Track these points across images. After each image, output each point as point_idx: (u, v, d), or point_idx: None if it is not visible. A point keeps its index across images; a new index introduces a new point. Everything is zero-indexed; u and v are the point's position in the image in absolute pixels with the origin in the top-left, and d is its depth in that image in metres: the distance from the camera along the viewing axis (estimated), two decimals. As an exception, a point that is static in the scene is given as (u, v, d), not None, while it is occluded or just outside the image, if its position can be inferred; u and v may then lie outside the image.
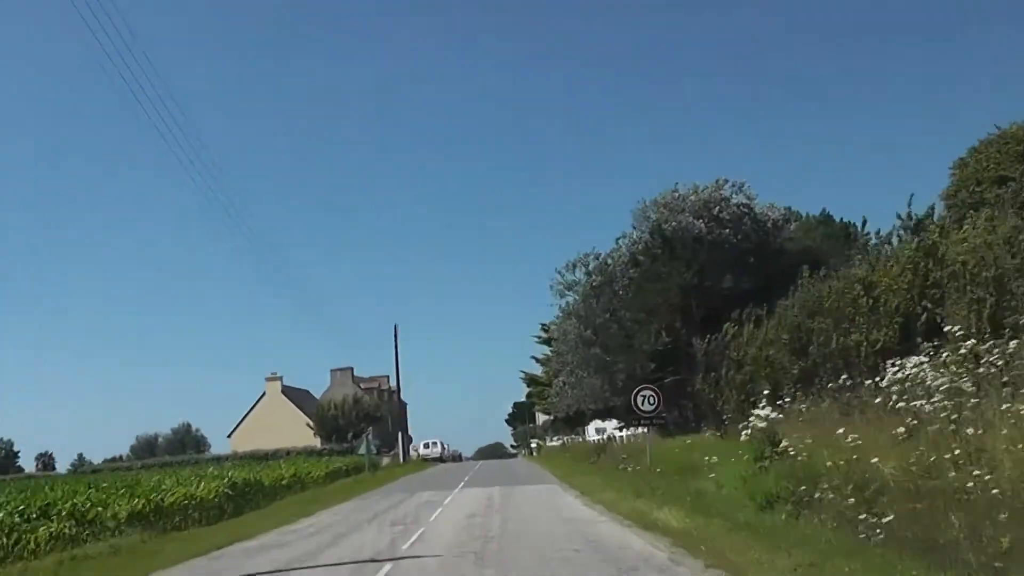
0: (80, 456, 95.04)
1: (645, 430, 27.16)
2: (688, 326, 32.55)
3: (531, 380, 53.13)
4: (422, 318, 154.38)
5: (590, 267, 34.90)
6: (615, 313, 33.68)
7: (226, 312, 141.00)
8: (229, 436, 76.25)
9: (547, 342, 50.93)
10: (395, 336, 55.73)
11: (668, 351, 32.96)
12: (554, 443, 68.01)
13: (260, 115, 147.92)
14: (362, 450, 39.41)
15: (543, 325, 51.09)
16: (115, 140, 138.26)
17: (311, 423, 64.25)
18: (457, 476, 33.79)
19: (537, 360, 51.71)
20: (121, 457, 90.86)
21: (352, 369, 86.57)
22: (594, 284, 34.53)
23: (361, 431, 63.66)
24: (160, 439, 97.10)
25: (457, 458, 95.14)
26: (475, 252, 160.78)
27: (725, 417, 22.81)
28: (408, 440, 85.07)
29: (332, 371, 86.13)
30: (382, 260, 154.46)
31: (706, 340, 24.90)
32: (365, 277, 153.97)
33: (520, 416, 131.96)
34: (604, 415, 47.69)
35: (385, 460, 56.39)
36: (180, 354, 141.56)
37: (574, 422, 50.86)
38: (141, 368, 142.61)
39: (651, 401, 23.79)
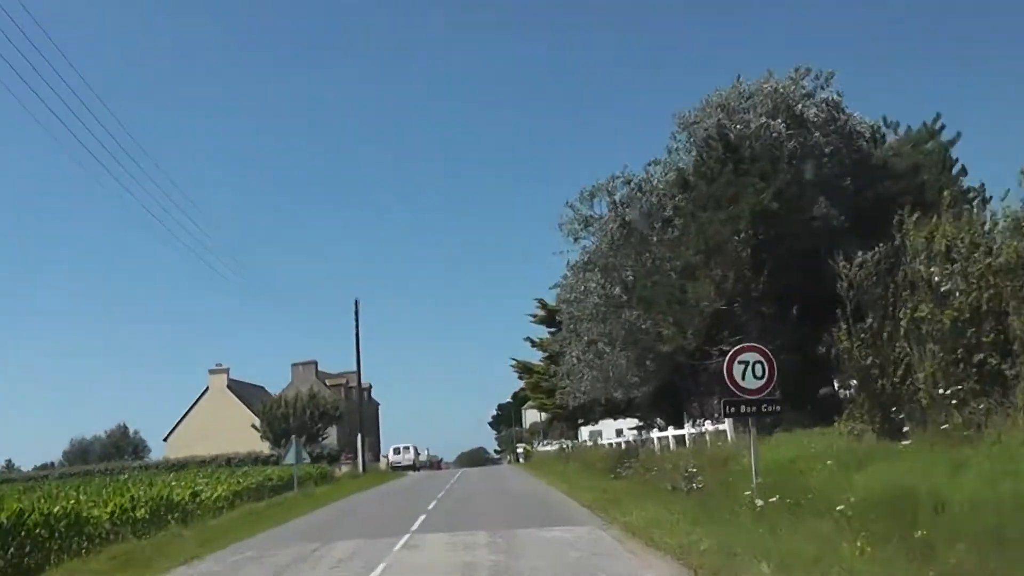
0: (9, 463, 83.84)
1: (725, 424, 16.68)
2: (758, 276, 22.22)
3: (524, 369, 42.63)
4: (402, 318, 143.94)
5: (618, 196, 24.36)
6: (655, 259, 23.21)
7: (173, 302, 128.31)
8: (165, 440, 64.96)
9: (547, 321, 40.45)
10: (355, 313, 45.10)
11: (729, 313, 22.65)
12: (547, 447, 57.31)
13: (205, 102, 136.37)
14: (289, 459, 28.31)
15: (540, 301, 40.61)
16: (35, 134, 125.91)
17: (257, 424, 53.22)
18: (424, 496, 23.08)
19: (533, 344, 41.25)
20: (53, 464, 79.74)
21: (316, 363, 75.55)
22: (625, 220, 23.98)
23: (318, 433, 52.77)
24: (97, 443, 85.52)
25: (436, 464, 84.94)
26: (456, 248, 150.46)
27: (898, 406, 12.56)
28: (375, 445, 74.14)
29: (293, 365, 74.88)
30: (374, 254, 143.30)
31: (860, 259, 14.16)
32: (337, 273, 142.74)
33: (505, 419, 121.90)
34: (617, 411, 37.20)
35: (343, 468, 45.50)
36: (118, 349, 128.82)
37: (572, 418, 40.30)
38: (78, 365, 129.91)
39: (759, 372, 13.34)
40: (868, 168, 24.08)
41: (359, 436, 44.71)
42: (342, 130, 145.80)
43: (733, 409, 13.27)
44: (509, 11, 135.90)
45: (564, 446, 42.47)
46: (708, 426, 17.56)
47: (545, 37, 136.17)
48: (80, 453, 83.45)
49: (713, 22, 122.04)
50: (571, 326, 26.79)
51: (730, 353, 13.37)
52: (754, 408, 13.23)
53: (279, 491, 28.77)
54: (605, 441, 34.05)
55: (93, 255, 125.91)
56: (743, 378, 13.23)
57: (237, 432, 56.38)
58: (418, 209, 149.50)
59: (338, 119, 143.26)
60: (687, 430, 19.65)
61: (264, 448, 53.87)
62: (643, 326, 22.93)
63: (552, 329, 41.35)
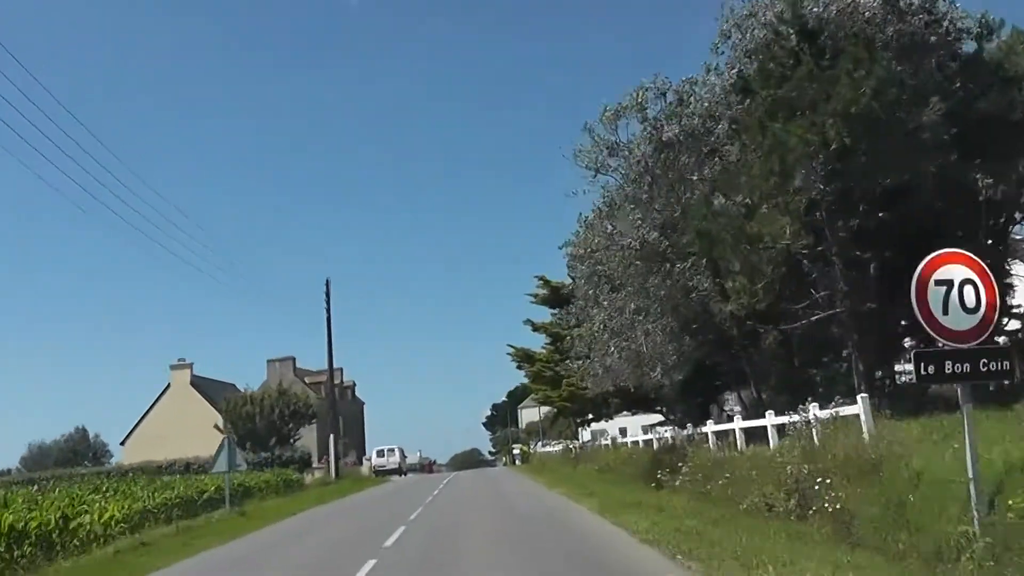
0: (-36, 470, 77.26)
1: (858, 405, 10.56)
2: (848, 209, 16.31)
3: (524, 357, 36.50)
4: (396, 317, 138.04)
5: (653, 113, 18.23)
6: (703, 195, 17.15)
7: (142, 294, 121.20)
8: (123, 443, 58.58)
9: (550, 300, 34.52)
10: (326, 294, 39.03)
11: (803, 262, 16.91)
12: (547, 448, 51.22)
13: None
14: (219, 466, 21.41)
15: (541, 279, 34.64)
16: None
17: (220, 424, 46.83)
18: (394, 516, 16.91)
19: (535, 328, 35.17)
20: (10, 471, 73.23)
21: (294, 359, 69.32)
22: (661, 140, 17.87)
23: (289, 434, 46.51)
24: (55, 448, 79.05)
25: (428, 467, 79.22)
26: (452, 248, 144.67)
27: None
28: (360, 447, 67.91)
29: (269, 362, 68.60)
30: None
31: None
32: (325, 270, 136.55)
33: (500, 419, 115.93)
34: (641, 403, 31.25)
35: (315, 475, 39.30)
36: (79, 348, 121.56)
37: (581, 413, 34.26)
38: (38, 365, 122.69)
39: (970, 300, 7.46)
40: (979, 70, 18.17)
41: (331, 437, 38.45)
42: (339, 129, 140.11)
43: (932, 368, 7.25)
44: (509, 11, 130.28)
45: (571, 447, 36.46)
46: (819, 411, 11.49)
47: (545, 37, 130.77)
48: (39, 459, 76.99)
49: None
50: (589, 291, 20.71)
51: (922, 266, 7.36)
52: (967, 366, 7.25)
53: (218, 505, 22.61)
54: (629, 439, 27.93)
55: (46, 249, 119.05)
56: (944, 310, 7.32)
57: (201, 434, 49.95)
58: (416, 209, 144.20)
59: (337, 118, 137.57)
60: (771, 420, 13.50)
61: (228, 451, 47.60)
62: (691, 282, 16.88)
63: (555, 311, 35.44)
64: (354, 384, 75.60)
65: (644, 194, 17.90)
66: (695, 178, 18.05)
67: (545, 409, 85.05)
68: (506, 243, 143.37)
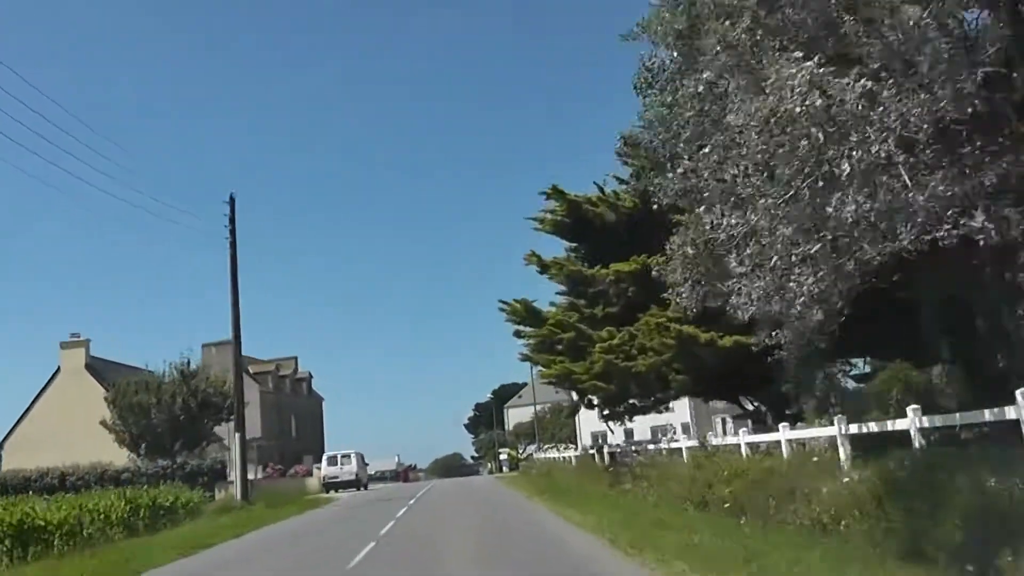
0: None
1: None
2: None
3: (526, 314, 23.90)
4: (368, 309, 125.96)
5: None
6: None
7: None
8: (1, 445, 45.65)
9: (567, 227, 22.60)
10: (230, 213, 26.77)
11: None
12: (554, 454, 39.28)
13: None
14: None
15: (553, 190, 22.53)
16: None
17: (108, 420, 34.38)
18: None
19: (542, 268, 22.89)
20: None
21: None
22: None
23: (201, 433, 34.03)
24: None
25: (404, 475, 67.68)
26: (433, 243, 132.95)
27: None
28: (317, 452, 55.36)
29: (204, 346, 55.30)
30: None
31: None
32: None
33: (485, 420, 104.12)
34: (711, 381, 19.59)
35: (218, 496, 26.76)
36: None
37: (619, 399, 22.00)
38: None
39: None
40: None
41: (235, 438, 25.88)
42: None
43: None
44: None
45: (601, 452, 24.43)
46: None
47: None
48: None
49: None
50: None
51: None
52: None
53: None
54: (750, 439, 15.21)
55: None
56: None
57: (93, 433, 37.41)
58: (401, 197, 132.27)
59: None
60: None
61: (121, 456, 35.06)
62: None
63: (574, 244, 23.44)
64: (310, 376, 63.25)
65: None
66: None
67: (541, 408, 73.45)
68: (489, 237, 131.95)
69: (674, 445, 17.93)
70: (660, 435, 27.10)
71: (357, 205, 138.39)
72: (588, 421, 64.88)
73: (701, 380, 19.66)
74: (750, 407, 22.42)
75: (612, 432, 30.35)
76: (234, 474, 25.26)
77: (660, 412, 21.77)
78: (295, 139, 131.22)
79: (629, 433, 55.41)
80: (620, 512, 13.93)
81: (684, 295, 11.16)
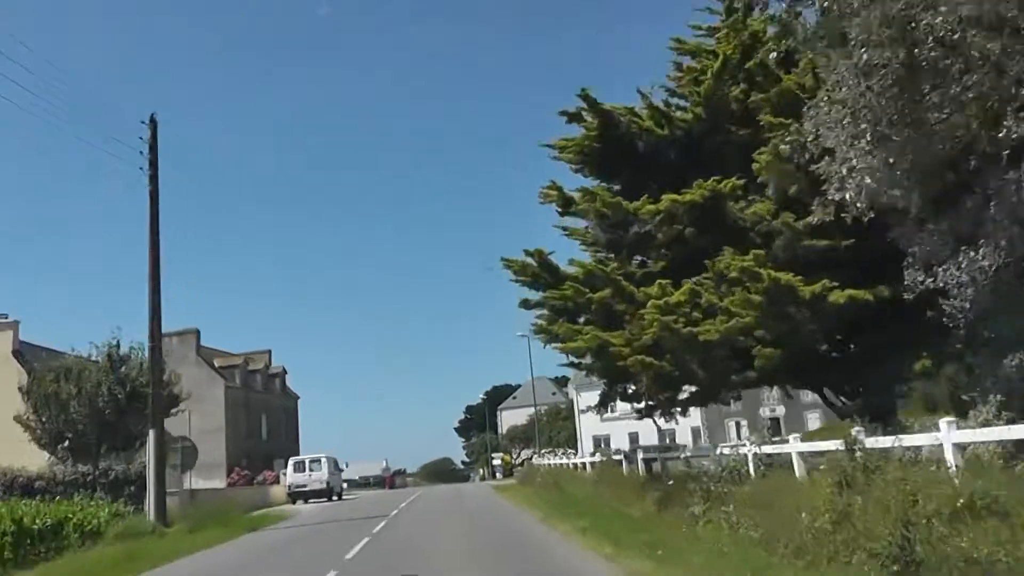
0: None
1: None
2: None
3: (540, 270, 17.79)
4: (355, 307, 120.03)
5: None
6: None
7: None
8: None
9: (591, 154, 16.64)
10: (152, 133, 20.46)
11: None
12: (564, 460, 33.42)
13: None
14: None
15: (584, 94, 16.45)
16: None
17: (22, 416, 28.18)
18: None
19: (564, 208, 16.94)
20: None
21: (197, 333, 50.78)
22: None
23: (133, 433, 27.73)
24: None
25: (391, 481, 62.21)
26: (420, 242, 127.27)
27: None
28: (288, 453, 49.00)
29: (164, 335, 49.26)
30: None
31: None
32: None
33: (477, 423, 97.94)
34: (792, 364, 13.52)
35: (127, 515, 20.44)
36: None
37: (674, 383, 15.95)
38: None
39: None
40: None
41: (149, 436, 19.46)
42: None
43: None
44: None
45: (646, 457, 18.41)
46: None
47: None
48: None
49: None
50: None
51: None
52: None
53: None
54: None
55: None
56: None
57: (9, 429, 31.07)
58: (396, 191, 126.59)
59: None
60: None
61: (39, 459, 28.76)
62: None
63: (602, 182, 17.38)
64: (284, 371, 56.97)
65: None
66: None
67: (532, 409, 67.33)
68: (480, 235, 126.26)
69: (764, 449, 11.88)
70: (668, 439, 21.16)
71: (351, 200, 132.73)
72: (589, 424, 58.80)
73: (795, 358, 13.67)
74: (838, 403, 16.41)
75: (638, 434, 24.32)
76: (149, 486, 18.98)
77: (727, 404, 15.77)
78: (279, 139, 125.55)
79: (634, 437, 48.79)
80: (726, 565, 7.97)
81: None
